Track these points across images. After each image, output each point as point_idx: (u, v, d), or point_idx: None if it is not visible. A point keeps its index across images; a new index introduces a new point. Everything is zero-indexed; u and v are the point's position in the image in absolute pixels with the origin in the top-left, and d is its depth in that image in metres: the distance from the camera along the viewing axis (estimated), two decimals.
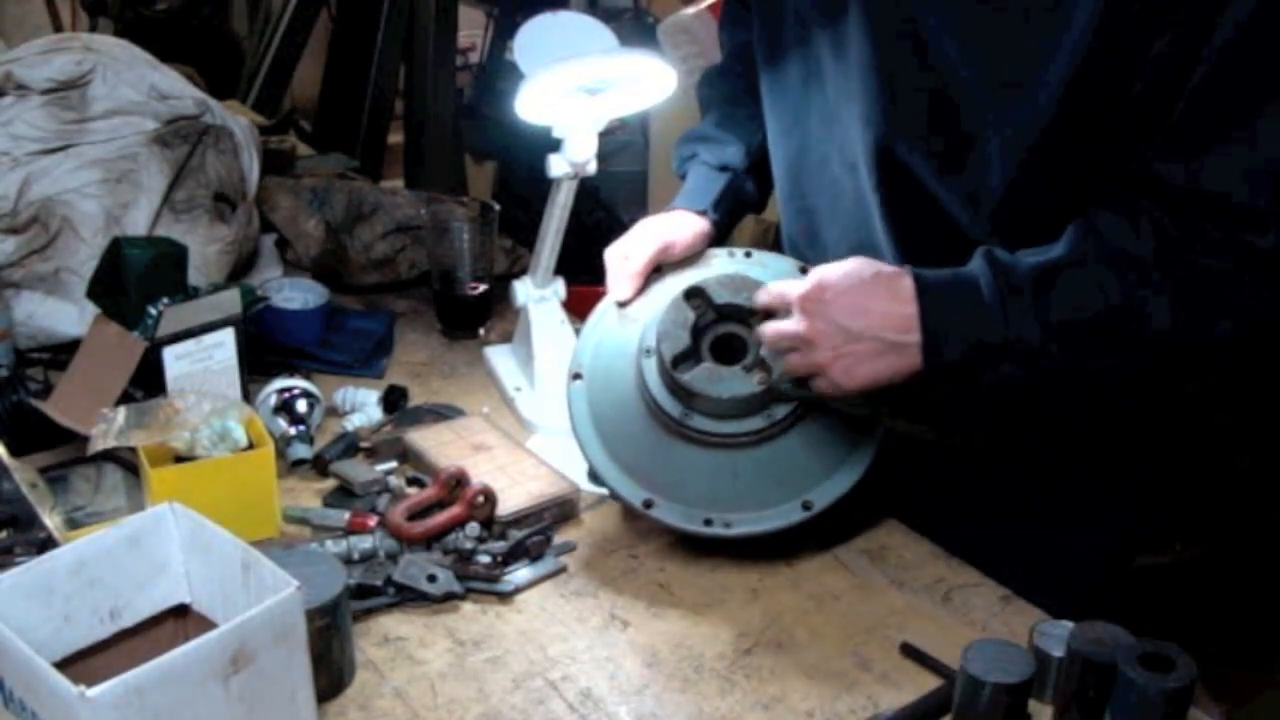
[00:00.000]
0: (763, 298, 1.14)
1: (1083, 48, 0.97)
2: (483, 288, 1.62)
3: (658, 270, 1.29)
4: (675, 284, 1.25)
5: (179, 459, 1.16)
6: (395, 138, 3.34)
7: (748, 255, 1.30)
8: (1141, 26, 0.95)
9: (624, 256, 1.27)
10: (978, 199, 1.09)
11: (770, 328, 1.11)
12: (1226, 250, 1.00)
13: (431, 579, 1.10)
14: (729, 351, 1.19)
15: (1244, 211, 0.98)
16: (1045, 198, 1.07)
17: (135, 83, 1.56)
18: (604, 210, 3.28)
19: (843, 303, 1.06)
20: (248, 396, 1.34)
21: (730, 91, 1.44)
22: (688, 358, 1.17)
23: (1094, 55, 0.97)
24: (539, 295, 1.49)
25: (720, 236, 1.37)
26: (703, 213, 1.33)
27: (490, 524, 1.18)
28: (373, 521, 1.17)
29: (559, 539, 1.21)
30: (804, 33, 1.20)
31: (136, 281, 1.29)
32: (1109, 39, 0.96)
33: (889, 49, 1.09)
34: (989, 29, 1.03)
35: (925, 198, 1.12)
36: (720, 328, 1.20)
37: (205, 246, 1.56)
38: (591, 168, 1.37)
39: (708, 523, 1.15)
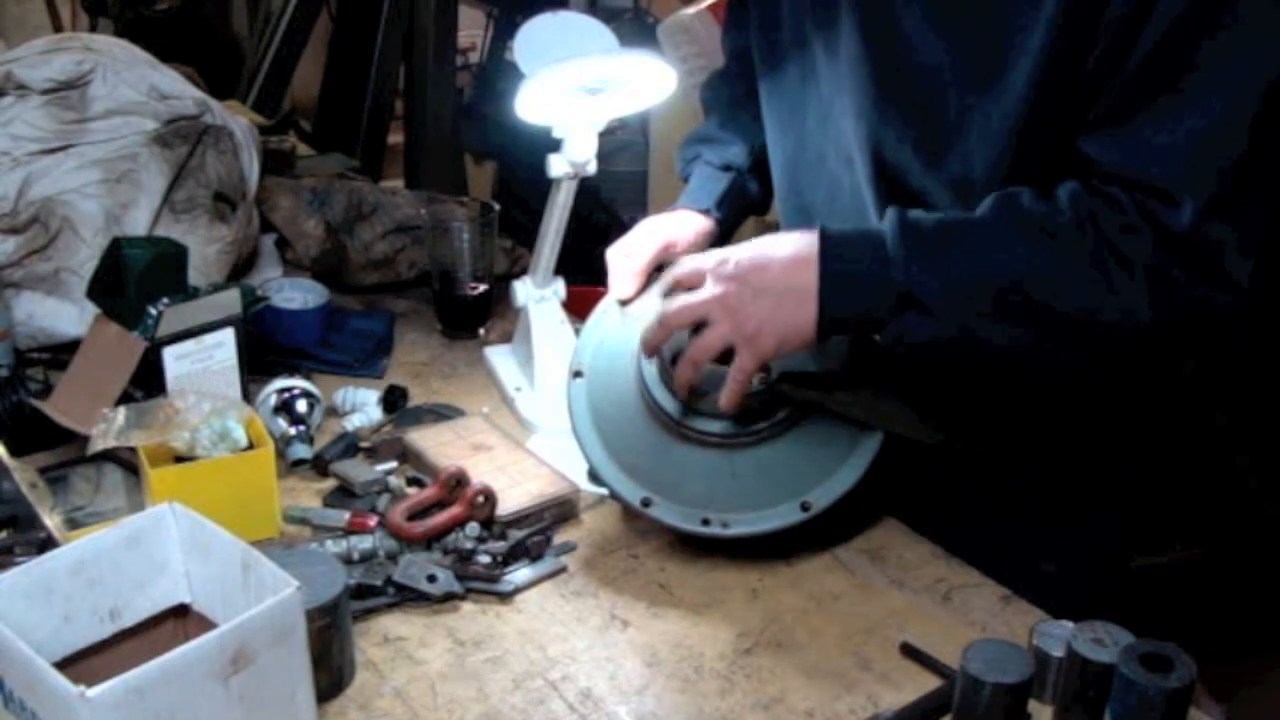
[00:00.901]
0: (677, 271, 1.14)
1: (1052, 32, 0.97)
2: (483, 288, 1.62)
3: (659, 269, 1.29)
4: None
5: (179, 459, 1.16)
6: (395, 138, 3.34)
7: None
8: (1105, 10, 0.95)
9: (626, 255, 1.28)
10: (964, 189, 1.09)
11: (676, 301, 1.11)
12: (1144, 232, 0.99)
13: (431, 579, 1.10)
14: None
15: (1157, 190, 0.98)
16: (1029, 186, 1.07)
17: (135, 83, 1.56)
18: (604, 210, 3.28)
19: (746, 262, 1.08)
20: (248, 396, 1.34)
21: (732, 94, 1.44)
22: None
23: (1063, 40, 0.97)
24: (539, 295, 1.49)
25: (724, 236, 1.37)
26: (706, 211, 1.34)
27: (490, 524, 1.18)
28: (373, 521, 1.17)
29: (559, 539, 1.21)
30: (800, 31, 1.20)
31: (136, 281, 1.29)
32: (1077, 24, 0.96)
33: (874, 42, 1.10)
34: (963, 16, 1.03)
35: (915, 190, 1.12)
36: None
37: (205, 246, 1.56)
38: (591, 168, 1.37)
39: (705, 522, 1.15)
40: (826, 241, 1.06)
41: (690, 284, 1.12)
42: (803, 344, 1.09)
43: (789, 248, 1.07)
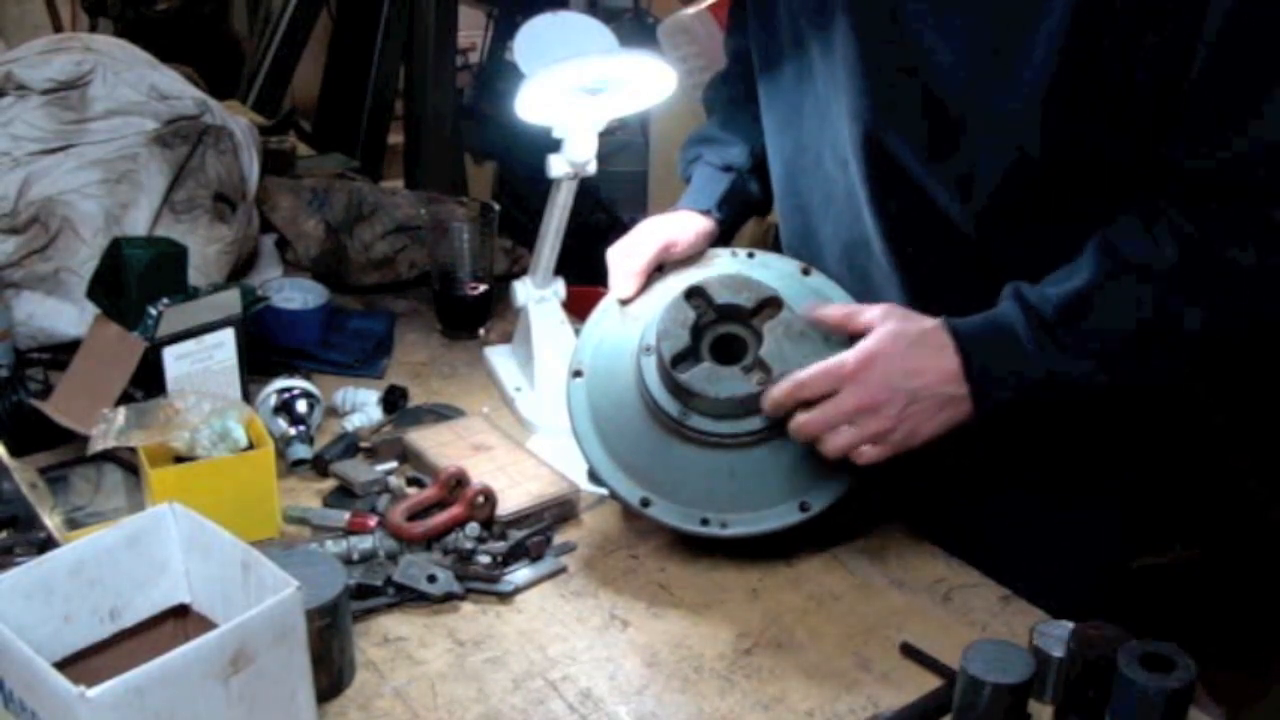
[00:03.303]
0: (808, 378, 1.09)
1: (1063, 31, 0.98)
2: (483, 288, 1.62)
3: (660, 269, 1.29)
4: (677, 283, 1.25)
5: (179, 459, 1.16)
6: (395, 138, 3.34)
7: (750, 255, 1.30)
8: (1124, 13, 0.96)
9: (626, 255, 1.28)
10: (968, 186, 1.09)
11: (817, 413, 1.08)
12: (1249, 236, 1.00)
13: (431, 579, 1.10)
14: (728, 352, 1.19)
15: (1266, 192, 0.99)
16: (1037, 186, 1.07)
17: (135, 83, 1.56)
18: (604, 210, 3.29)
19: (896, 366, 1.07)
20: (248, 396, 1.34)
21: (733, 95, 1.44)
22: (687, 357, 1.17)
23: (1075, 39, 0.97)
24: (539, 295, 1.49)
25: (724, 236, 1.37)
26: (706, 212, 1.34)
27: (490, 524, 1.18)
28: (373, 521, 1.17)
29: (559, 539, 1.21)
30: (796, 31, 1.20)
31: (136, 281, 1.29)
32: (1089, 23, 0.96)
33: (873, 40, 1.10)
34: (972, 13, 1.03)
35: (914, 188, 1.12)
36: (720, 328, 1.20)
37: (205, 246, 1.56)
38: (591, 168, 1.37)
39: (704, 522, 1.15)
40: (964, 348, 1.06)
41: (820, 393, 1.09)
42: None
43: (930, 350, 1.07)
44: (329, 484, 1.28)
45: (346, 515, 1.19)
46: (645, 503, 1.16)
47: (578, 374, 1.24)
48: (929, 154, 1.10)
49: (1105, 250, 1.05)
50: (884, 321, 1.09)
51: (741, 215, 1.42)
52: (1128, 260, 1.04)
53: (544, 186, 1.41)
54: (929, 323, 1.09)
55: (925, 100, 1.08)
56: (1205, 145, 1.00)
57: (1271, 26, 0.94)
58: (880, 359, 1.07)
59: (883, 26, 1.08)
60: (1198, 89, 0.97)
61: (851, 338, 1.11)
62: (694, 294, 1.19)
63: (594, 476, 1.20)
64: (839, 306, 1.15)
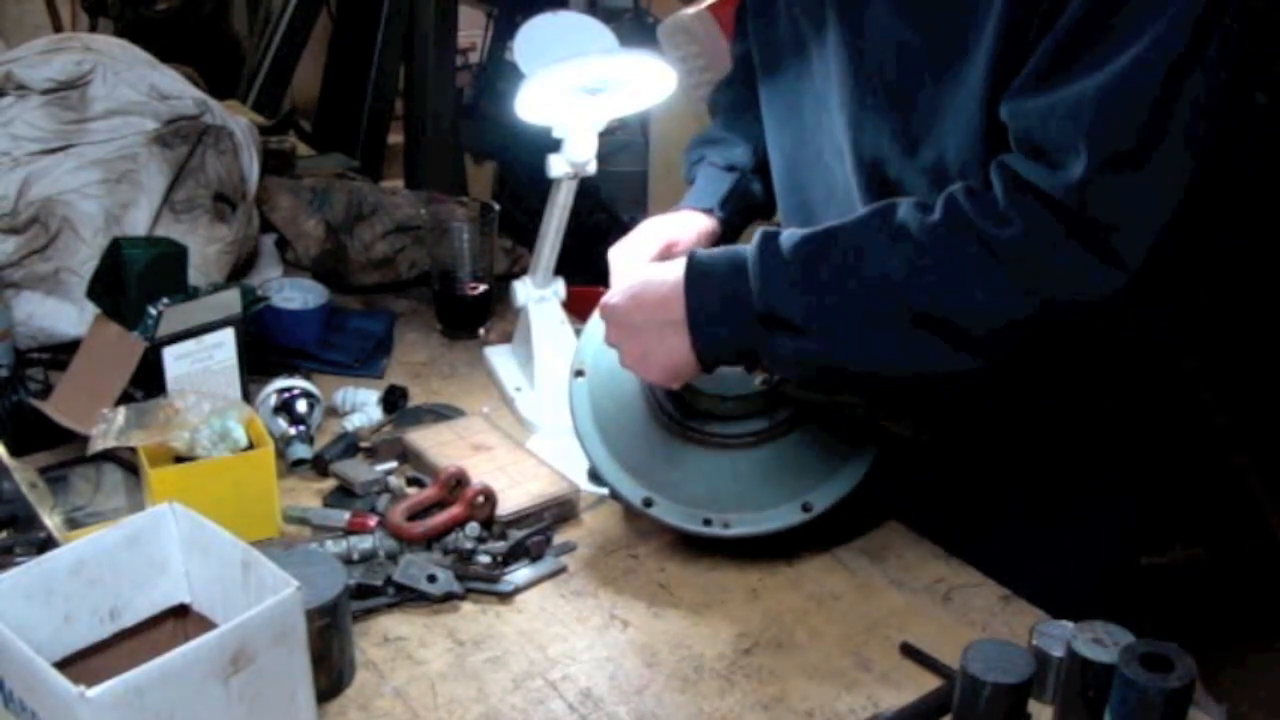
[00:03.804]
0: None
1: (1004, 10, 0.96)
2: (483, 288, 1.62)
3: None
4: None
5: (179, 459, 1.16)
6: (395, 138, 3.34)
7: None
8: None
9: (628, 255, 1.28)
10: (939, 177, 1.08)
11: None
12: (1013, 221, 0.96)
13: (431, 579, 1.10)
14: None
15: (1050, 152, 0.95)
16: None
17: (135, 83, 1.56)
18: (604, 210, 3.29)
19: (623, 305, 1.12)
20: (248, 396, 1.34)
21: (736, 97, 1.44)
22: None
23: (1015, 15, 0.96)
24: (539, 295, 1.49)
25: (729, 236, 1.37)
26: (709, 211, 1.34)
27: (490, 524, 1.18)
28: (373, 521, 1.17)
29: (559, 539, 1.21)
30: (795, 28, 1.20)
31: (136, 281, 1.29)
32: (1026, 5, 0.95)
33: (851, 34, 1.10)
34: (926, 2, 1.03)
35: (893, 180, 1.13)
36: None
37: (205, 246, 1.56)
38: (591, 168, 1.37)
39: (707, 523, 1.15)
40: (692, 273, 1.07)
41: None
42: (693, 373, 1.10)
43: (657, 283, 1.10)
44: (329, 484, 1.28)
45: (346, 515, 1.19)
46: (648, 503, 1.16)
47: (580, 374, 1.24)
48: (903, 146, 1.10)
49: (878, 208, 1.03)
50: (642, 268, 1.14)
51: (744, 216, 1.41)
52: (892, 219, 1.01)
53: (544, 186, 1.41)
54: (678, 260, 1.10)
55: (895, 92, 1.08)
56: (1028, 95, 0.96)
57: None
58: (613, 299, 1.13)
59: (857, 19, 1.09)
60: (1047, 45, 0.94)
61: None
62: None
63: (594, 476, 1.20)
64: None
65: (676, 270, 1.09)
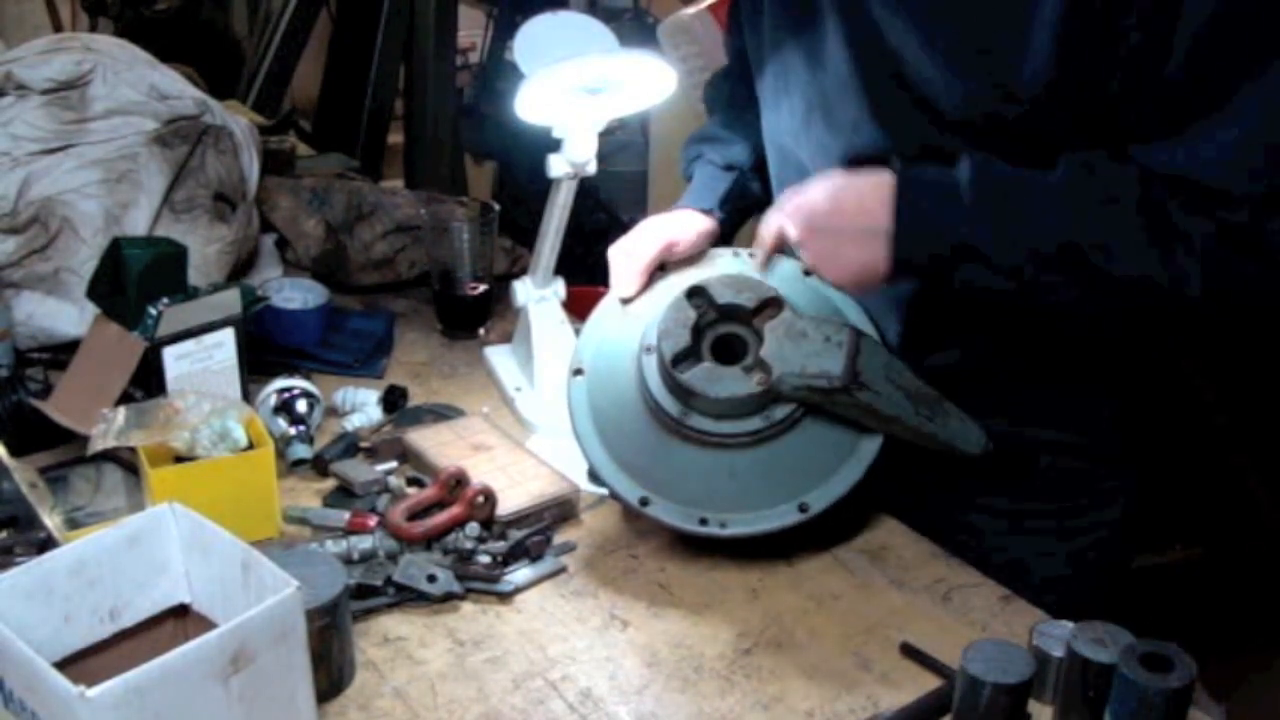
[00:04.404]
0: (766, 231, 1.19)
1: (1049, 48, 0.97)
2: (483, 288, 1.62)
3: (661, 268, 1.29)
4: (678, 282, 1.25)
5: (179, 459, 1.16)
6: (395, 138, 3.34)
7: (751, 255, 1.30)
8: (1106, 26, 0.95)
9: (628, 254, 1.28)
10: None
11: (770, 225, 1.19)
12: (1203, 218, 0.99)
13: (431, 579, 1.10)
14: (729, 352, 1.19)
15: (1214, 191, 0.97)
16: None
17: (135, 83, 1.56)
18: (604, 210, 3.29)
19: (822, 205, 1.12)
20: (248, 396, 1.34)
21: (734, 92, 1.44)
22: (688, 357, 1.17)
23: (1063, 54, 0.97)
24: (539, 295, 1.49)
25: (726, 235, 1.37)
26: (708, 211, 1.34)
27: (490, 524, 1.18)
28: (373, 521, 1.17)
29: (559, 539, 1.21)
30: (776, 43, 1.21)
31: (136, 281, 1.29)
32: (1075, 41, 0.97)
33: (870, 64, 1.10)
34: (956, 38, 1.03)
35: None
36: (721, 327, 1.20)
37: (205, 246, 1.56)
38: (591, 168, 1.37)
39: (703, 522, 1.15)
40: (904, 186, 1.07)
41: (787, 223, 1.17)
42: (879, 282, 1.12)
43: (861, 188, 1.10)
44: (329, 484, 1.28)
45: (346, 515, 1.19)
46: (645, 502, 1.16)
47: (578, 373, 1.24)
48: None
49: (1080, 161, 1.03)
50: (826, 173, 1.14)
51: (744, 214, 1.42)
52: (1094, 178, 1.02)
53: (544, 186, 1.41)
54: (879, 171, 1.10)
55: (920, 121, 1.09)
56: (1161, 139, 0.99)
57: (1241, 36, 0.93)
58: (816, 193, 1.13)
59: (876, 49, 1.09)
60: (1168, 86, 0.96)
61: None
62: (695, 293, 1.19)
63: (594, 476, 1.20)
64: (770, 219, 1.20)
65: (882, 179, 1.09)
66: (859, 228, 1.09)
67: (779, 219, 1.18)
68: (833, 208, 1.11)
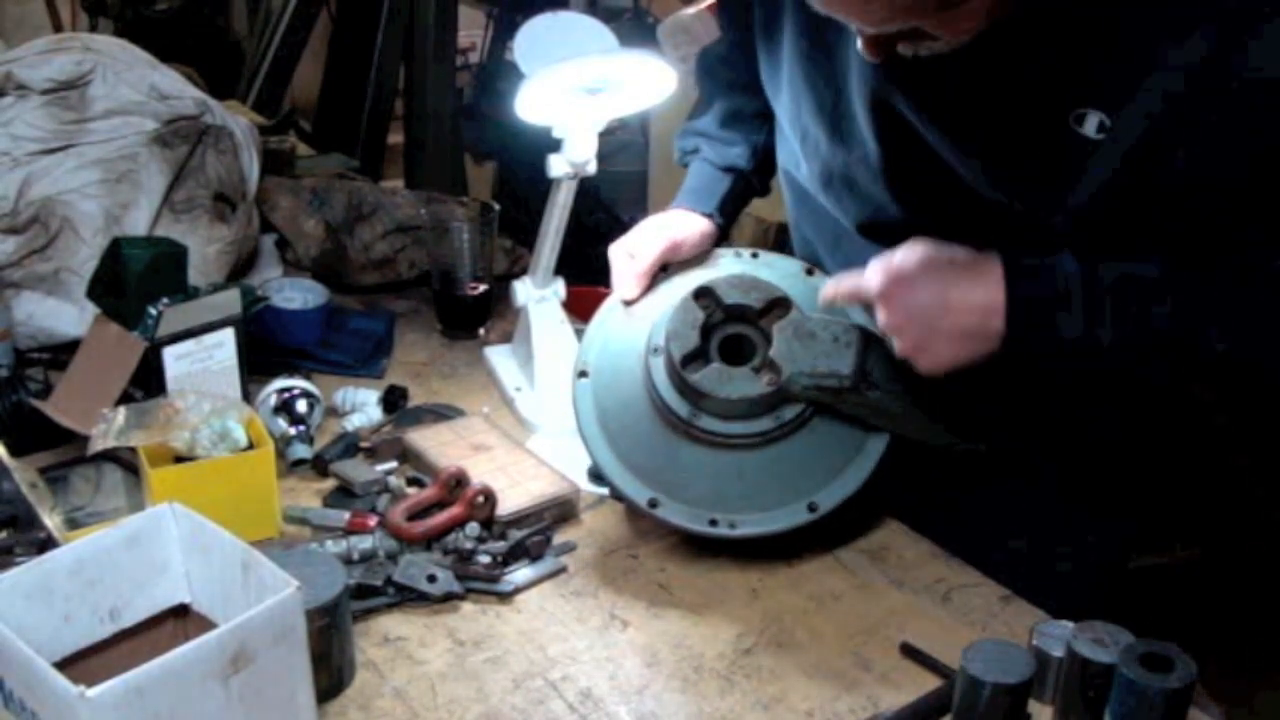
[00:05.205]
0: (831, 292, 1.12)
1: (1097, 191, 0.99)
2: (483, 288, 1.62)
3: (663, 269, 1.29)
4: (682, 284, 1.25)
5: (179, 459, 1.16)
6: (395, 138, 3.34)
7: (754, 256, 1.30)
8: (1160, 154, 0.95)
9: (630, 255, 1.27)
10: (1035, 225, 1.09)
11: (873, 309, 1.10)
12: None
13: (431, 579, 1.10)
14: (737, 352, 1.19)
15: None
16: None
17: (135, 83, 1.56)
18: (604, 210, 3.29)
19: (925, 297, 1.05)
20: (248, 396, 1.34)
21: (732, 80, 1.41)
22: (696, 358, 1.17)
23: (1111, 191, 0.99)
24: (539, 295, 1.49)
25: (726, 235, 1.37)
26: (708, 215, 1.33)
27: (490, 524, 1.18)
28: (373, 521, 1.17)
29: (559, 539, 1.21)
30: (797, 93, 1.20)
31: (136, 281, 1.29)
32: (1129, 180, 0.97)
33: (901, 157, 1.11)
34: (1002, 177, 1.04)
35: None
36: (728, 328, 1.20)
37: (205, 246, 1.56)
38: (591, 168, 1.37)
39: (713, 523, 1.15)
40: (1014, 286, 1.03)
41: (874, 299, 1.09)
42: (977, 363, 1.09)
43: (966, 283, 1.04)
44: (329, 484, 1.28)
45: (346, 515, 1.19)
46: (653, 503, 1.16)
47: (583, 374, 1.23)
48: (961, 237, 1.11)
49: (1176, 264, 1.03)
50: (922, 244, 1.06)
51: (740, 212, 1.42)
52: (1191, 270, 1.02)
53: (544, 186, 1.41)
54: (972, 253, 1.06)
55: (954, 194, 1.09)
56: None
57: None
58: (910, 282, 1.05)
59: (907, 141, 1.09)
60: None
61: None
62: (702, 294, 1.19)
63: (595, 476, 1.20)
64: (845, 281, 1.12)
65: (992, 276, 1.03)
66: (967, 331, 1.04)
67: (869, 286, 1.08)
68: (940, 305, 1.04)
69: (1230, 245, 1.00)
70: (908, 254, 1.06)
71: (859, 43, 0.99)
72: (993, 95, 1.01)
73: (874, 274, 1.07)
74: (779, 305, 1.17)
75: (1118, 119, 0.95)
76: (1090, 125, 0.96)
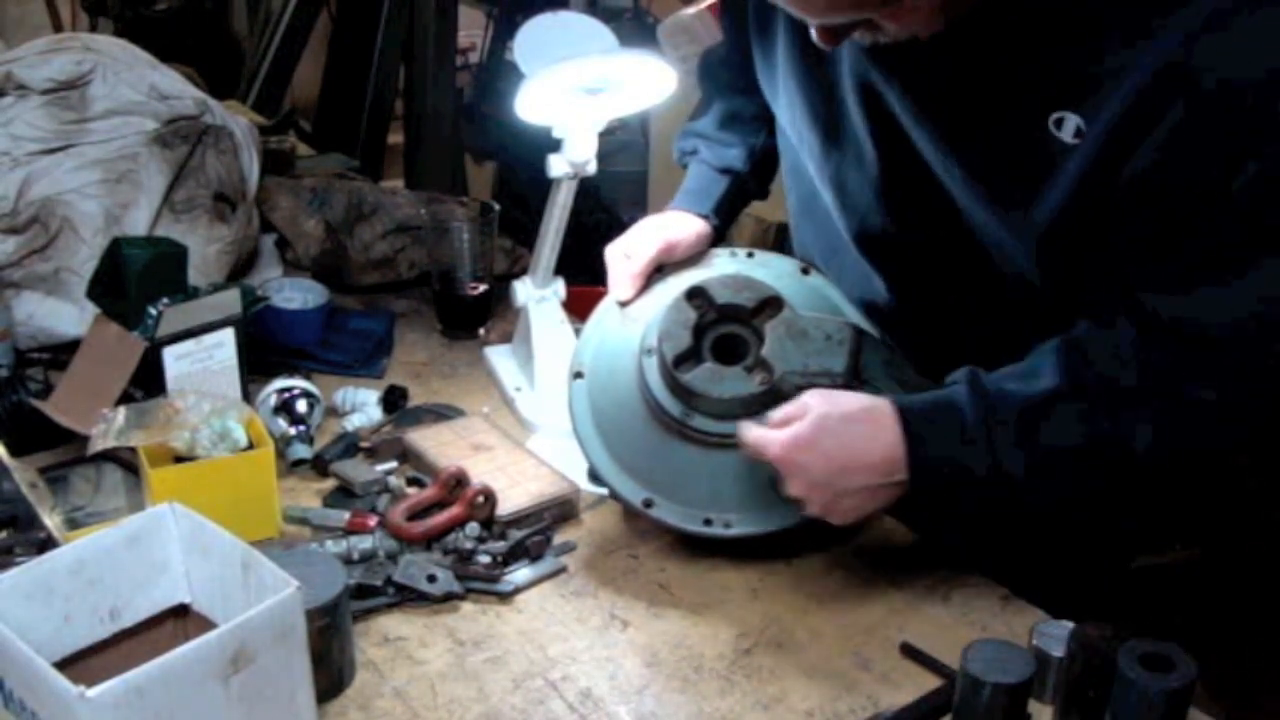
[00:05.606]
0: (751, 443, 1.09)
1: (1068, 200, 0.98)
2: (483, 288, 1.62)
3: (659, 270, 1.29)
4: (677, 284, 1.25)
5: (179, 459, 1.16)
6: (395, 138, 3.34)
7: (750, 255, 1.30)
8: (1146, 187, 0.94)
9: (625, 256, 1.28)
10: (1003, 261, 1.10)
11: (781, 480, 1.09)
12: (1210, 377, 0.98)
13: (431, 579, 1.10)
14: (730, 352, 1.19)
15: (1226, 352, 0.97)
16: (1050, 286, 1.07)
17: (135, 83, 1.56)
18: (604, 210, 3.28)
19: (821, 465, 1.05)
20: (248, 396, 1.34)
21: (731, 82, 1.42)
22: (689, 358, 1.17)
23: (1083, 201, 0.97)
24: (539, 295, 1.49)
25: (719, 237, 1.37)
26: (704, 216, 1.33)
27: (490, 524, 1.18)
28: (373, 521, 1.17)
29: (559, 539, 1.21)
30: (792, 97, 1.20)
31: (136, 281, 1.29)
32: (1098, 191, 0.96)
33: (897, 167, 1.11)
34: (979, 176, 1.04)
35: (932, 269, 1.16)
36: (721, 328, 1.20)
37: (205, 246, 1.56)
38: (591, 168, 1.37)
39: (707, 523, 1.15)
40: (910, 434, 1.04)
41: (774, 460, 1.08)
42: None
43: (864, 439, 1.04)
44: (329, 484, 1.28)
45: (346, 515, 1.19)
46: (648, 504, 1.16)
47: (579, 375, 1.24)
48: (944, 261, 1.12)
49: (1070, 357, 1.02)
50: (814, 404, 1.06)
51: (737, 213, 1.42)
52: (1094, 372, 1.01)
53: (544, 186, 1.41)
54: (867, 401, 1.07)
55: (942, 225, 1.09)
56: (1176, 289, 0.97)
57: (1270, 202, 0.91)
58: (802, 452, 1.05)
59: (904, 159, 1.09)
60: (1195, 235, 0.94)
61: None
62: (695, 294, 1.19)
63: (594, 476, 1.20)
64: (750, 436, 1.09)
65: (883, 424, 1.04)
66: (870, 486, 1.05)
67: (768, 454, 1.07)
68: (839, 468, 1.04)
69: (1149, 278, 0.98)
70: (799, 421, 1.06)
71: (814, 33, 1.00)
72: (980, 88, 1.01)
73: (770, 444, 1.06)
74: (771, 304, 1.17)
75: (1092, 124, 0.94)
76: (1068, 129, 0.96)
